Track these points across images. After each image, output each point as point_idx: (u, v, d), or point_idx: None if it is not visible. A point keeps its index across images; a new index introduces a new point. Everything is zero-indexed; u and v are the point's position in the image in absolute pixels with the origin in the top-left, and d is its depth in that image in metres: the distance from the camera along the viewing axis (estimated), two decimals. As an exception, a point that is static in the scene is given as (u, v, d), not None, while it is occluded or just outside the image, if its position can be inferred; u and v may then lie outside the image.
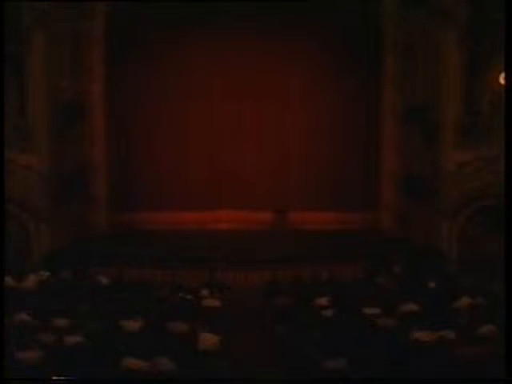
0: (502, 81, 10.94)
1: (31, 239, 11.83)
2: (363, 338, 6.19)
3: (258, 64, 14.30)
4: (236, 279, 10.75)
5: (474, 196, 11.38)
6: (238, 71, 14.34)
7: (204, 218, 14.03)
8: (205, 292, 8.64)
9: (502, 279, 5.99)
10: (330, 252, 11.65)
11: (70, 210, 12.28)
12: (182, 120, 14.36)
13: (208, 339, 6.33)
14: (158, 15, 13.38)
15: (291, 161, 14.58)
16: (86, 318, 7.02)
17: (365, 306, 7.53)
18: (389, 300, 7.93)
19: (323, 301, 7.97)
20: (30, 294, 8.52)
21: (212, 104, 14.46)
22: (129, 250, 11.69)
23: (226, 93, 14.40)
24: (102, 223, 13.29)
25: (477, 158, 11.40)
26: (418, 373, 5.38)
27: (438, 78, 11.90)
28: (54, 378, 5.04)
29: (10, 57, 11.29)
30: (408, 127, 12.66)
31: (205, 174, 14.49)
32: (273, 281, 9.53)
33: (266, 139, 14.51)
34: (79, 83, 12.60)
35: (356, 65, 14.05)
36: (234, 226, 13.76)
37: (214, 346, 6.29)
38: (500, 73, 10.93)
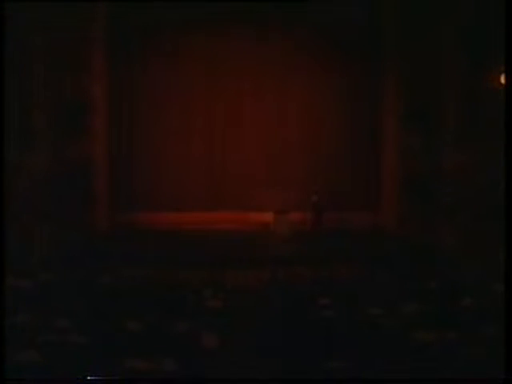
0: (502, 81, 10.94)
1: (32, 239, 11.83)
2: (364, 338, 6.19)
3: (258, 65, 14.35)
4: (237, 279, 10.74)
5: (474, 196, 11.38)
6: (239, 71, 14.38)
7: (204, 218, 14.05)
8: (207, 292, 8.63)
9: (502, 279, 5.99)
10: (330, 252, 11.66)
11: (70, 209, 12.28)
12: (182, 120, 14.40)
13: (210, 339, 6.33)
14: (158, 15, 13.41)
15: (292, 160, 14.60)
16: (87, 317, 7.02)
17: (365, 306, 7.53)
18: (389, 300, 7.92)
19: (324, 301, 7.97)
20: (31, 294, 8.51)
21: (213, 104, 14.50)
22: (129, 250, 11.71)
23: (227, 93, 14.43)
24: (103, 223, 13.30)
25: (477, 158, 11.40)
26: (418, 373, 5.38)
27: (439, 77, 11.91)
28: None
29: (11, 56, 11.30)
30: (409, 127, 12.66)
31: (205, 174, 14.52)
32: (273, 281, 9.53)
33: (266, 139, 14.53)
34: (81, 83, 12.61)
35: (357, 64, 14.08)
36: (235, 227, 13.78)
37: (216, 346, 6.28)
38: (501, 73, 10.93)
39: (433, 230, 11.96)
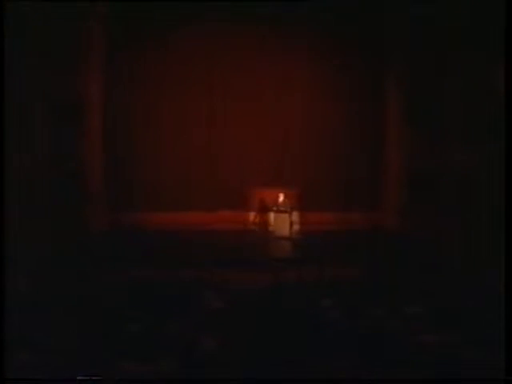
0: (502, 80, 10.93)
1: (32, 239, 11.81)
2: (366, 339, 6.18)
3: (258, 64, 14.35)
4: (237, 280, 10.74)
5: (476, 196, 11.38)
6: (239, 70, 14.38)
7: (204, 218, 14.05)
8: (207, 292, 8.63)
9: (503, 279, 5.99)
10: (331, 252, 11.66)
11: (70, 209, 12.27)
12: (181, 119, 14.40)
13: (210, 340, 6.32)
14: (157, 15, 13.41)
15: (292, 160, 14.59)
16: (85, 317, 7.01)
17: (367, 306, 7.52)
18: (391, 301, 7.92)
19: (325, 301, 7.96)
20: (30, 294, 8.51)
21: (212, 103, 14.50)
22: (129, 250, 11.70)
23: (226, 92, 14.44)
24: (102, 223, 13.29)
25: (479, 157, 11.40)
26: (419, 373, 5.38)
27: (441, 77, 11.92)
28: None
29: (11, 56, 11.29)
30: (412, 126, 12.67)
31: (205, 174, 14.52)
32: (274, 281, 9.52)
33: (267, 138, 14.53)
34: (78, 83, 12.60)
35: (358, 63, 14.08)
36: (235, 227, 13.77)
37: (216, 346, 6.28)
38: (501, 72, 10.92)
39: (434, 229, 11.95)
